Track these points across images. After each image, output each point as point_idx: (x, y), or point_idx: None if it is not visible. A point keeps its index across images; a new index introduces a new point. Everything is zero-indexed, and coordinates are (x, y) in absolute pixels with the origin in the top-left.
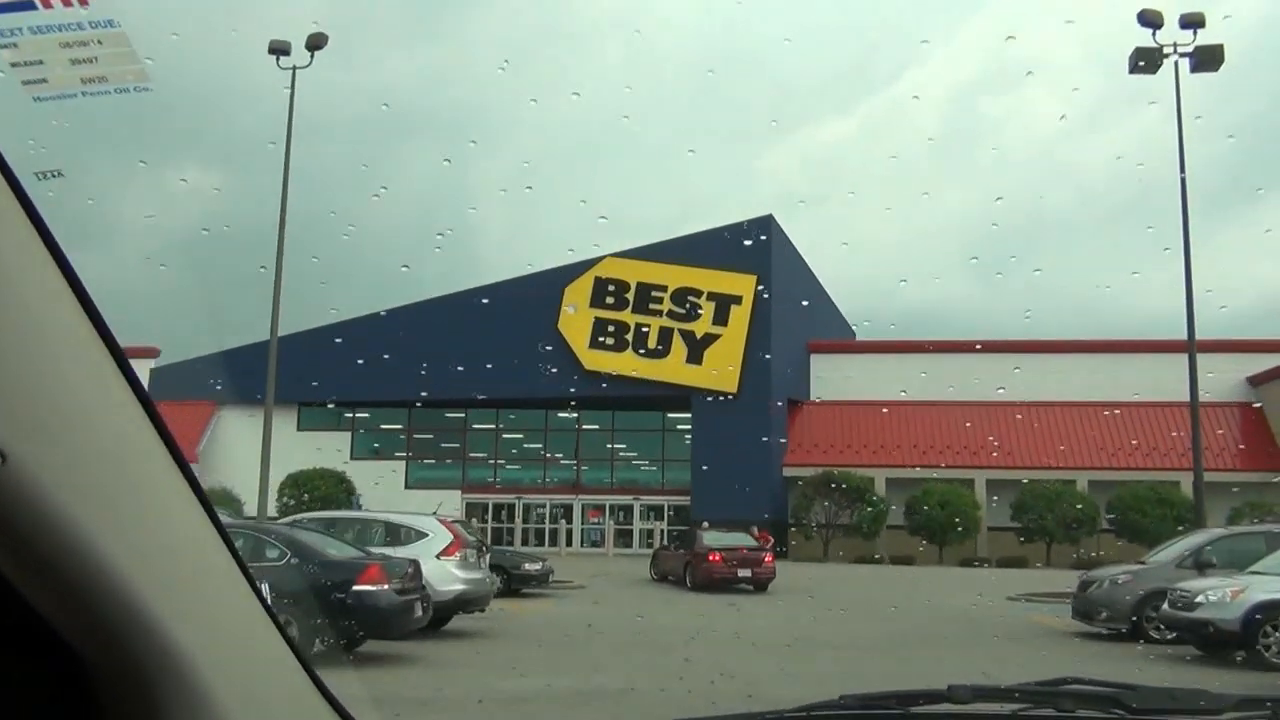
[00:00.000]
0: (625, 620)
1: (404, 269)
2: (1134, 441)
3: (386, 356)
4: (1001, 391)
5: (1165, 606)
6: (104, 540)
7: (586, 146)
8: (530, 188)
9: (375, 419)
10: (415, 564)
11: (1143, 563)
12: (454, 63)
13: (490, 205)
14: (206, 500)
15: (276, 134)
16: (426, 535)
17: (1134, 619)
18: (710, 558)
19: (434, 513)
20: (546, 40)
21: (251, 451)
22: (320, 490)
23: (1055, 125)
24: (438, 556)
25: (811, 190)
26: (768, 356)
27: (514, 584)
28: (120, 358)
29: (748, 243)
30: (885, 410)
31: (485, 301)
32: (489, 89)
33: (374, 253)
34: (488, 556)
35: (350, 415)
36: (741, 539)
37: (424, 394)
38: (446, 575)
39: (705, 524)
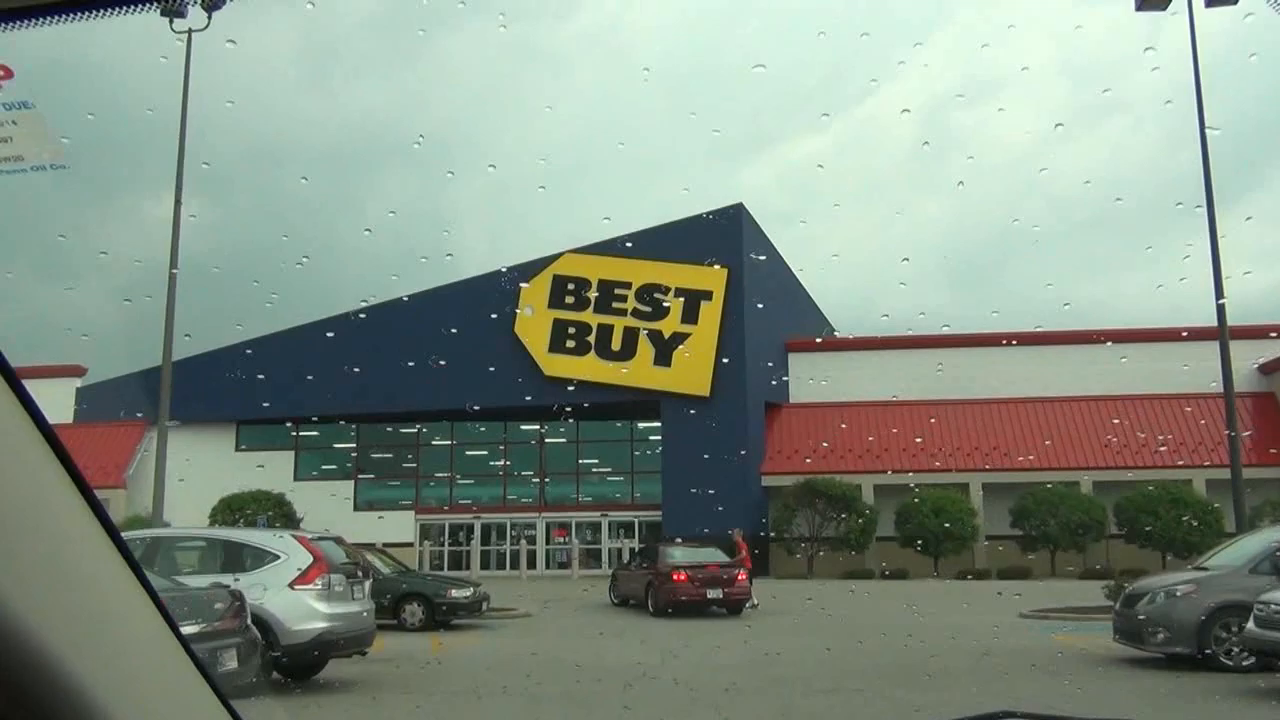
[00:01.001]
0: (559, 659)
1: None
2: (1140, 436)
3: (332, 368)
4: (996, 388)
5: (1251, 625)
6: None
7: (562, 165)
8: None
9: (321, 436)
10: (233, 596)
11: (1203, 569)
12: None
13: (466, 225)
14: (117, 534)
15: (212, 157)
16: (278, 558)
17: (1201, 641)
18: (675, 577)
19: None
20: (521, 60)
21: (185, 473)
22: (255, 515)
23: (1035, 134)
24: (291, 585)
25: (791, 206)
26: (742, 356)
27: (438, 615)
28: (11, 379)
29: (717, 234)
30: (871, 411)
31: (437, 305)
32: (463, 109)
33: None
34: (367, 584)
35: (294, 433)
36: (711, 554)
37: (372, 407)
38: (302, 609)
39: (677, 540)
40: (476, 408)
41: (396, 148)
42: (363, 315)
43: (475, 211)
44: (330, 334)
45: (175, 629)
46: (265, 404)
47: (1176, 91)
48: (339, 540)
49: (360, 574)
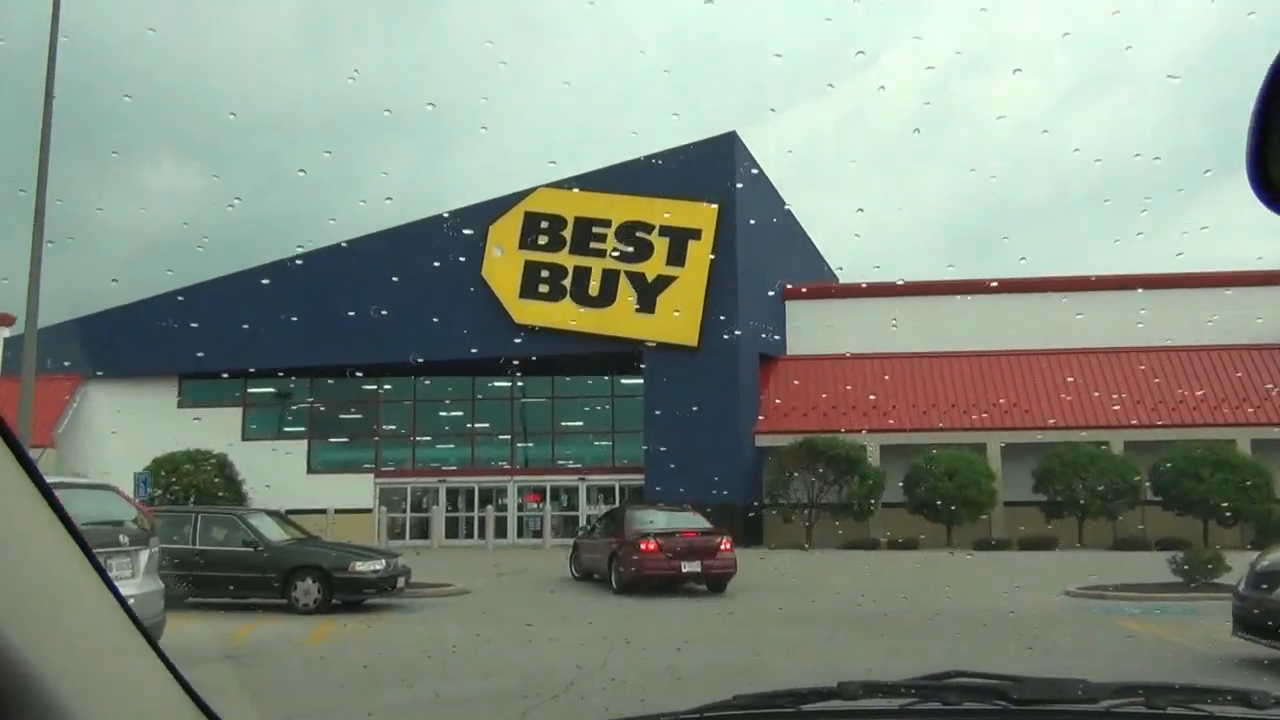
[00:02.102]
0: (473, 655)
1: (330, 221)
2: (1180, 393)
3: (283, 317)
4: (1015, 338)
5: None
6: None
7: (556, 135)
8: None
9: (272, 392)
10: None
11: None
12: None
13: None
14: (59, 505)
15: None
16: None
17: None
18: (643, 546)
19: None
20: (518, 29)
21: (120, 431)
22: (189, 478)
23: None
24: None
25: (791, 177)
26: (734, 302)
27: (337, 593)
28: None
29: (706, 166)
30: (877, 365)
31: (396, 246)
32: (459, 80)
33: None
34: (144, 555)
35: (243, 388)
36: (689, 519)
37: (328, 359)
38: None
39: (647, 503)
40: (436, 360)
41: (396, 118)
42: (300, 261)
43: (463, 186)
44: (266, 281)
45: (127, 609)
46: (209, 356)
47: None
48: (111, 491)
49: (130, 541)
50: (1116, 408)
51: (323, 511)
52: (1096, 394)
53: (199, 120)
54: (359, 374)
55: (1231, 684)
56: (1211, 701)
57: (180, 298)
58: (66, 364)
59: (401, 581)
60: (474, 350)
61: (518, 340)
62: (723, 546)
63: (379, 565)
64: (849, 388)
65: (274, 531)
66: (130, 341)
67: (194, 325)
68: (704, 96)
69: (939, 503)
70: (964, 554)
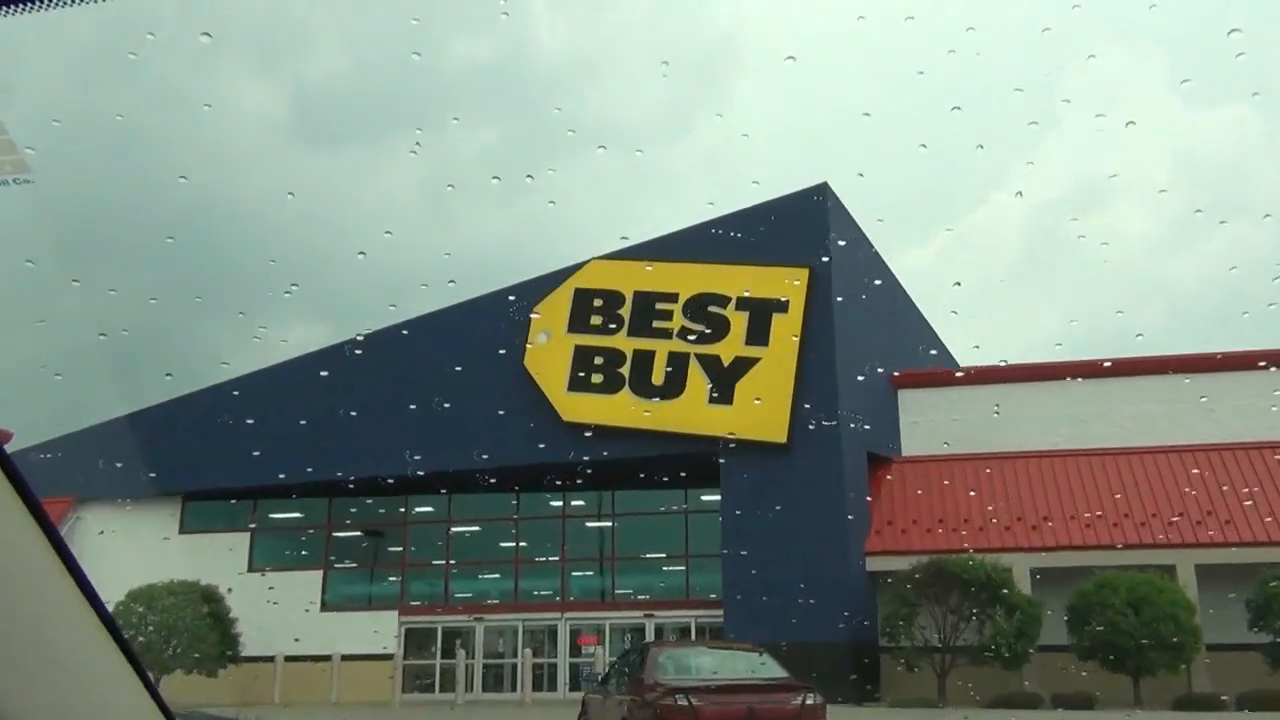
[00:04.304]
0: None
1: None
2: None
3: (286, 426)
4: (1206, 431)
5: None
6: None
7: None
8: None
9: (285, 514)
10: None
11: None
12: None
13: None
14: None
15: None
16: None
17: None
18: (668, 715)
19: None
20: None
21: (120, 559)
22: (168, 615)
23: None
24: None
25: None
26: (833, 388)
27: None
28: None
29: (793, 225)
30: (1022, 466)
31: (422, 339)
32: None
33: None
34: None
35: (251, 509)
36: (749, 664)
37: (345, 472)
38: None
39: (683, 640)
40: (467, 469)
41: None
42: (359, 351)
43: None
44: (295, 377)
45: (148, 683)
46: (214, 473)
47: None
48: None
49: None
50: None
51: (327, 659)
52: None
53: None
54: (381, 490)
55: None
56: None
57: (233, 398)
58: (62, 489)
59: None
60: (511, 456)
61: (566, 443)
62: (805, 704)
63: None
64: (982, 495)
65: None
66: (130, 456)
67: (199, 437)
68: None
69: (1122, 643)
70: (1164, 716)
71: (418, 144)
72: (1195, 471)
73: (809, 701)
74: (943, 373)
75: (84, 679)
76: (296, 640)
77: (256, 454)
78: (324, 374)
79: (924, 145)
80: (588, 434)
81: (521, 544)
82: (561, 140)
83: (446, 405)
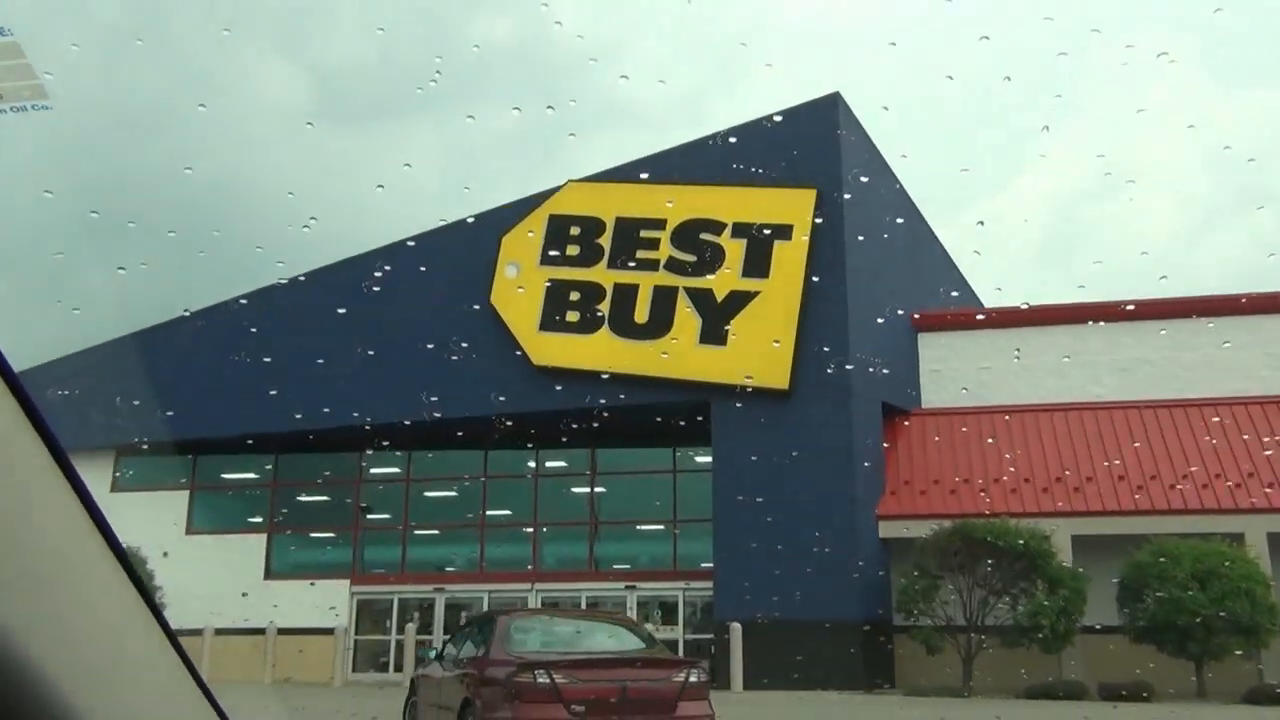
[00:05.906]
0: None
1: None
2: None
3: (232, 370)
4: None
5: None
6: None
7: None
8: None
9: (223, 469)
10: None
11: None
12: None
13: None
14: (114, 539)
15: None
16: None
17: None
18: (523, 691)
19: None
20: None
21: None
22: None
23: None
24: None
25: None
26: (843, 329)
27: None
28: (13, 381)
29: (799, 141)
30: (1061, 419)
31: (382, 273)
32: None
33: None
34: None
35: (190, 465)
36: (618, 635)
37: (294, 424)
38: None
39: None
40: (425, 422)
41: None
42: (244, 302)
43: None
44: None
45: (173, 638)
46: (152, 424)
47: None
48: None
49: None
50: None
51: (261, 632)
52: None
53: None
54: (337, 444)
55: None
56: None
57: (171, 340)
58: None
59: None
60: (473, 407)
61: (538, 392)
62: (688, 681)
63: None
64: (1015, 453)
65: None
66: (54, 405)
67: (134, 384)
68: None
69: (1183, 625)
70: (1234, 711)
71: (471, 116)
72: (1267, 427)
73: (692, 679)
74: (970, 313)
75: (122, 650)
76: (239, 612)
77: (196, 404)
78: (268, 315)
79: (950, 76)
80: (558, 388)
81: (489, 508)
82: (584, 119)
83: (404, 350)
